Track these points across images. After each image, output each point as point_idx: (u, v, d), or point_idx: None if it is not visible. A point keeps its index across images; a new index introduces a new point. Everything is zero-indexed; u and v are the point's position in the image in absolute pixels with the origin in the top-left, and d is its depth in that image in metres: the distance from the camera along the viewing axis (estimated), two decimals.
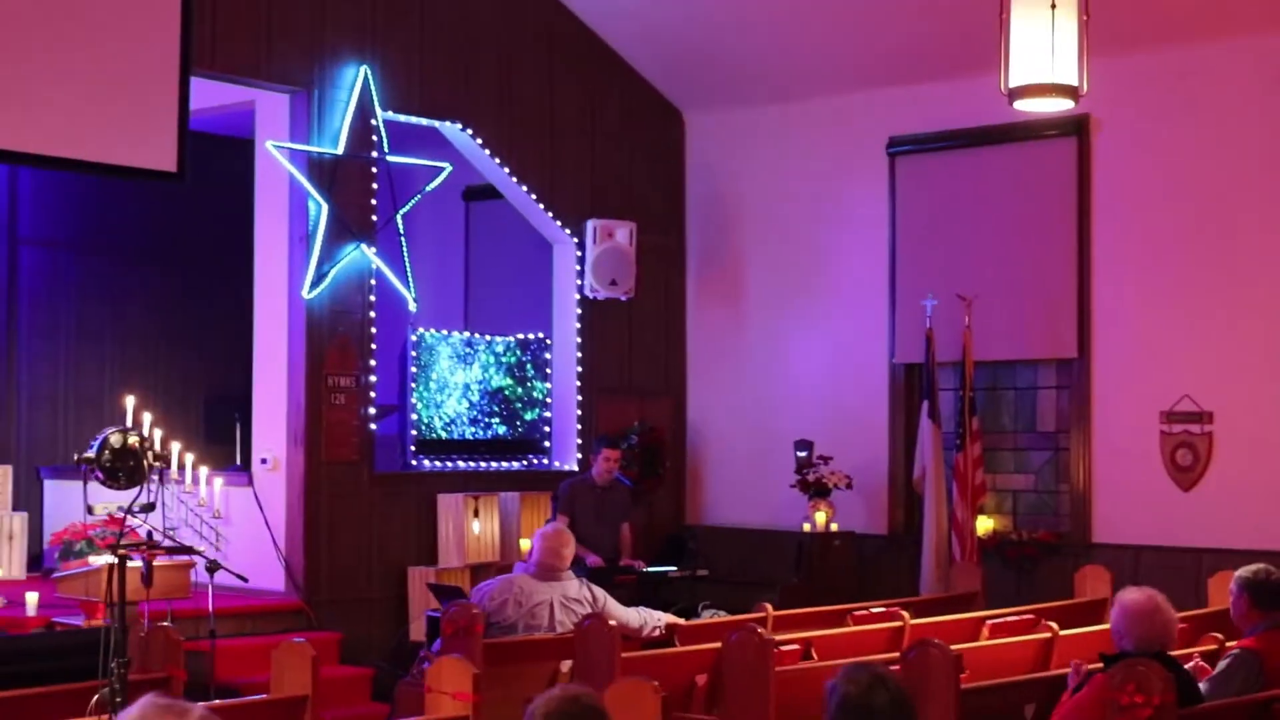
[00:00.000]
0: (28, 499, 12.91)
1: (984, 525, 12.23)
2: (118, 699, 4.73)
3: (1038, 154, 12.22)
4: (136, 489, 5.39)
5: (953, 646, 8.22)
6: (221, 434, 12.92)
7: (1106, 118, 11.94)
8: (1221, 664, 6.96)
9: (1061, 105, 8.84)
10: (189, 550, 6.49)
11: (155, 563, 8.81)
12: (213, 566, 8.60)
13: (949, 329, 11.94)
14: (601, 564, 11.02)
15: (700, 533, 13.63)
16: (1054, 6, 8.46)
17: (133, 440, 5.08)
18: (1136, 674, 6.06)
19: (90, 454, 5.24)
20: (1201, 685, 6.93)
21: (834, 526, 12.56)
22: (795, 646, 8.49)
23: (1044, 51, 8.61)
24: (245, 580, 8.83)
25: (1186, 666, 7.20)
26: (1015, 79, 8.67)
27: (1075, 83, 8.63)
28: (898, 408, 12.89)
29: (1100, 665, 6.34)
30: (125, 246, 14.05)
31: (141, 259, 14.13)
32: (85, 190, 13.52)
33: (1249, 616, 6.98)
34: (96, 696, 4.73)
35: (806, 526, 12.55)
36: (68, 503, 11.91)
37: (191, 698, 7.15)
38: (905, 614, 9.16)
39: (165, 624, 6.95)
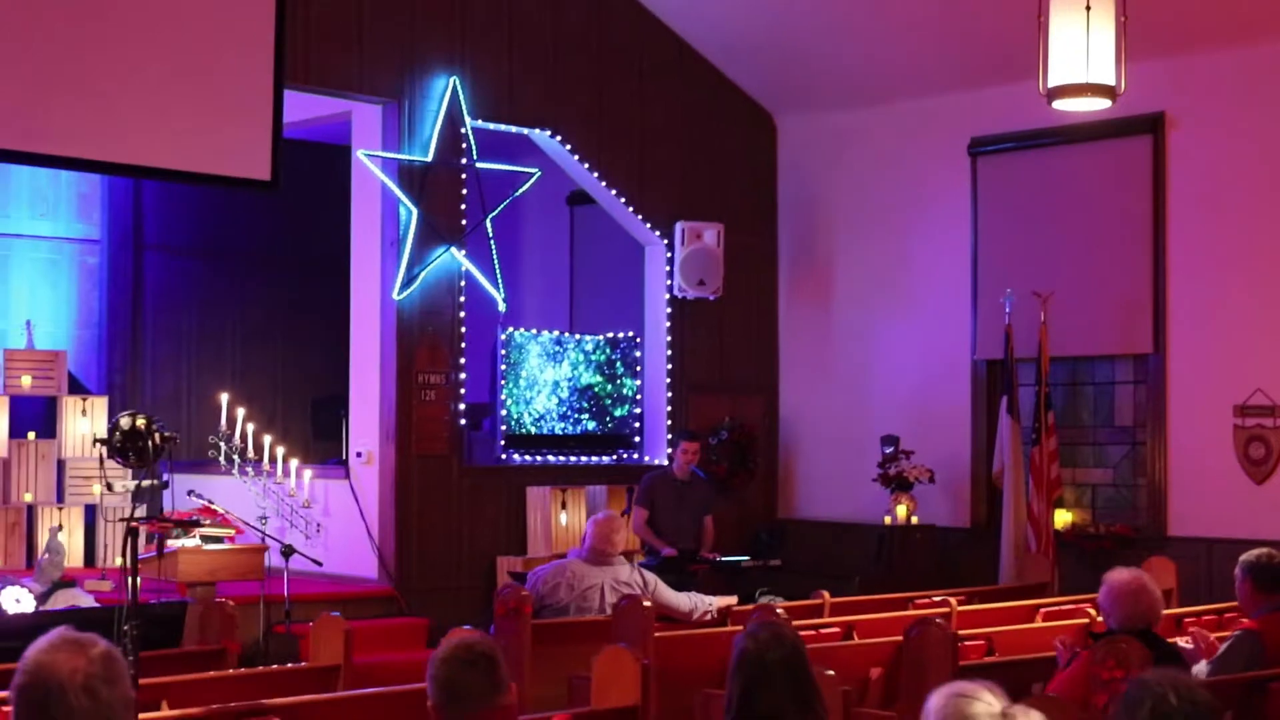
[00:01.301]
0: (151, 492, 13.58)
1: (1063, 518, 12.42)
2: (129, 657, 5.22)
3: (1114, 152, 12.37)
4: (148, 469, 5.89)
5: (988, 630, 8.55)
6: (329, 430, 13.50)
7: (1182, 115, 12.06)
8: (1223, 645, 7.16)
9: (1099, 105, 9.07)
10: (195, 525, 6.99)
11: (229, 547, 9.40)
12: (287, 551, 9.16)
13: (1029, 325, 12.16)
14: (675, 554, 11.35)
15: (790, 526, 13.96)
16: (1089, 8, 8.71)
17: (140, 422, 5.58)
18: (1116, 650, 6.32)
19: (103, 435, 5.76)
20: (1206, 665, 7.16)
21: (914, 520, 12.81)
22: (836, 630, 8.84)
23: (1081, 53, 8.87)
24: (320, 564, 9.37)
25: (1186, 645, 7.43)
26: (1053, 79, 8.93)
27: (1112, 83, 8.88)
28: (980, 403, 13.10)
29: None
30: (243, 252, 14.76)
31: (258, 263, 14.83)
32: (203, 198, 14.21)
33: (1253, 599, 7.18)
34: None
35: (887, 519, 12.82)
36: (184, 494, 12.56)
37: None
38: (953, 600, 9.43)
39: (221, 600, 7.46)
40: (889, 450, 13.10)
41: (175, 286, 14.58)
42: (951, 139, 13.24)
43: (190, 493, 9.71)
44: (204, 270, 14.72)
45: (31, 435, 12.96)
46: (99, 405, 13.32)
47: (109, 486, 6.22)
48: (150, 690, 6.10)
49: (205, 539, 9.17)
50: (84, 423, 13.20)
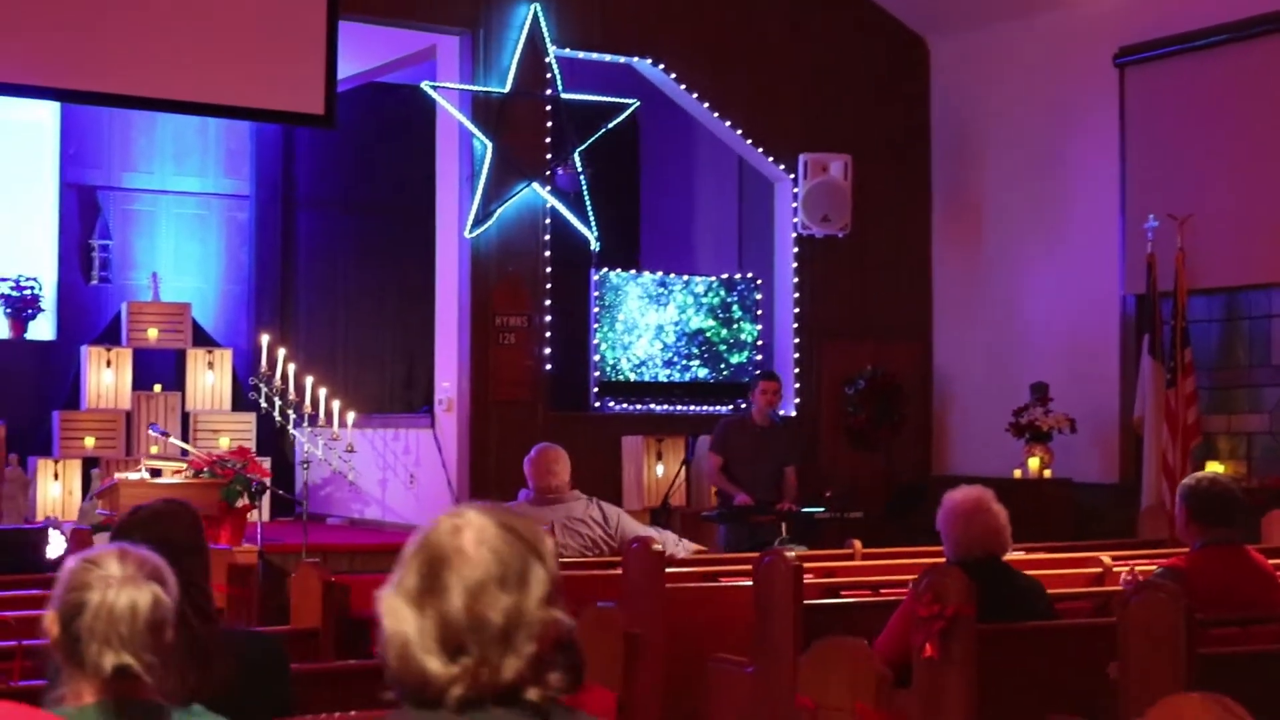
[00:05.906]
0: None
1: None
2: None
3: (1268, 51, 10.83)
4: None
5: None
6: None
7: None
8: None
9: None
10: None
11: (177, 481, 9.03)
12: (260, 489, 8.72)
13: (1174, 253, 10.78)
14: (750, 503, 10.41)
15: (945, 483, 12.78)
16: None
17: None
18: (935, 582, 5.29)
19: None
20: None
21: (1047, 473, 11.52)
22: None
23: None
24: (301, 504, 8.90)
25: (1124, 579, 6.26)
26: None
27: None
28: (1129, 344, 11.72)
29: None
30: (391, 203, 14.43)
31: (411, 214, 14.50)
32: (351, 151, 14.00)
33: (1188, 531, 5.95)
34: None
35: (1017, 473, 11.58)
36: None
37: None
38: None
39: (84, 529, 7.07)
40: (1036, 399, 11.86)
41: (327, 240, 14.41)
42: (1099, 49, 11.86)
43: (152, 424, 9.39)
44: (355, 224, 14.50)
45: (158, 388, 12.94)
46: (225, 357, 13.23)
47: None
48: None
49: (153, 472, 8.82)
50: (210, 375, 13.13)
